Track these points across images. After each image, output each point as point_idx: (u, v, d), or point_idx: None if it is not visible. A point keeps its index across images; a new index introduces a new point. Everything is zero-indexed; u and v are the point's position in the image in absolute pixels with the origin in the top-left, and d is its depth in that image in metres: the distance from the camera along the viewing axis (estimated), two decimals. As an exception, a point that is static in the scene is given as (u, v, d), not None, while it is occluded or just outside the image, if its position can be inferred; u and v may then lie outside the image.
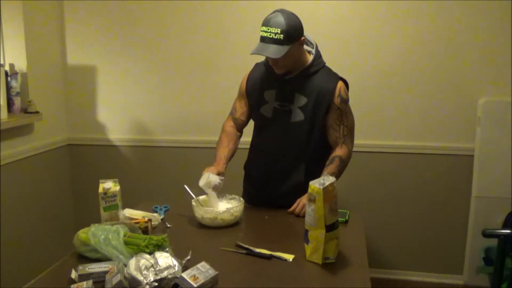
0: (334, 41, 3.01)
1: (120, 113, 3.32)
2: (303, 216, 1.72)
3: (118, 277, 1.31)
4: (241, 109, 2.19)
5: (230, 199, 2.03)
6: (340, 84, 2.03)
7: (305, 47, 2.03)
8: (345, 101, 2.04)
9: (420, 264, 3.18)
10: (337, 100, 2.00)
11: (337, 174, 2.04)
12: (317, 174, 1.99)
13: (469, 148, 2.98)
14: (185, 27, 3.14)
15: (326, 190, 1.52)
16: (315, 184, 1.53)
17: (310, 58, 2.02)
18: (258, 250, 1.63)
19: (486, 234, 2.05)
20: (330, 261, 1.56)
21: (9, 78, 2.73)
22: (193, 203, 1.92)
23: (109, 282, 1.32)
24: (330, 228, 1.54)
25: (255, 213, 2.02)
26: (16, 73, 2.77)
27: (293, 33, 1.86)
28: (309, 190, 1.55)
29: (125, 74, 3.27)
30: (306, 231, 1.59)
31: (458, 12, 2.86)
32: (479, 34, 2.86)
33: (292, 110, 2.02)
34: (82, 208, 3.41)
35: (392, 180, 3.12)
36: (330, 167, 2.03)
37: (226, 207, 1.93)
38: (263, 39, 1.86)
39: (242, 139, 2.24)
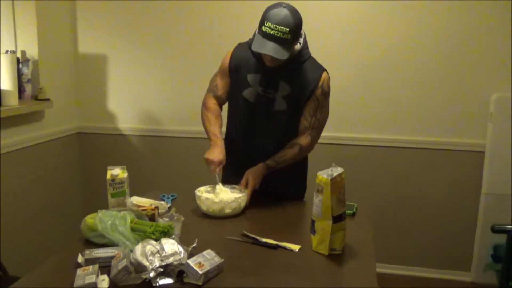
0: (342, 36, 2.99)
1: (130, 102, 3.33)
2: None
3: (124, 262, 1.31)
4: (224, 87, 2.12)
5: (232, 188, 2.02)
6: (324, 75, 2.00)
7: None
8: (325, 93, 2.01)
9: (428, 260, 3.16)
10: (318, 91, 1.98)
11: (290, 161, 2.06)
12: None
13: (480, 144, 2.95)
14: (196, 18, 3.13)
15: (334, 181, 1.51)
16: (323, 175, 1.52)
17: (297, 48, 1.95)
18: (264, 239, 1.63)
19: (495, 230, 2.04)
20: (336, 252, 1.56)
21: (20, 65, 2.74)
22: (197, 193, 1.92)
23: (115, 267, 1.32)
24: (337, 219, 1.53)
25: (261, 203, 2.01)
26: (28, 60, 2.78)
27: (298, 32, 1.83)
28: (317, 181, 1.54)
29: (136, 64, 3.27)
30: (313, 222, 1.58)
31: (471, 7, 2.83)
32: (492, 29, 2.83)
33: (276, 98, 2.00)
34: (90, 195, 3.43)
35: (401, 175, 3.10)
36: (288, 151, 2.04)
37: (233, 196, 1.92)
38: (267, 36, 1.77)
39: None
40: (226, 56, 2.11)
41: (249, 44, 2.03)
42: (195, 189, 1.97)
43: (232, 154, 2.12)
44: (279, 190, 2.10)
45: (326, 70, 2.02)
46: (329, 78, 2.03)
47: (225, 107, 2.21)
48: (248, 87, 2.03)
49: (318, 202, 1.54)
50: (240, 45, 2.10)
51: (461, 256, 3.10)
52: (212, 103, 2.14)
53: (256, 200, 1.99)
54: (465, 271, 3.10)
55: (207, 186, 2.03)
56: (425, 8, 2.88)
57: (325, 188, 1.51)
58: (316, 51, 2.09)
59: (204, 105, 2.15)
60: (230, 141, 2.19)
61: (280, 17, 1.75)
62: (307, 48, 2.01)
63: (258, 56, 1.98)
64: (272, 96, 2.01)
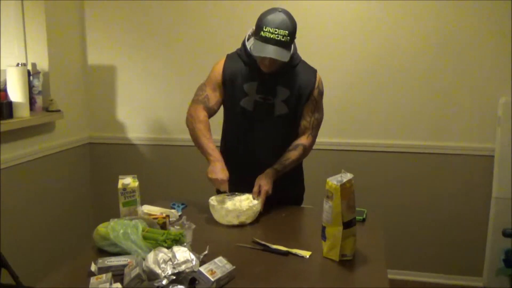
0: (346, 40, 3.01)
1: (139, 112, 3.36)
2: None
3: (137, 270, 1.32)
4: (216, 98, 2.11)
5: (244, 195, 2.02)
6: (319, 76, 2.08)
7: None
8: (321, 93, 2.09)
9: (439, 266, 3.14)
10: (315, 92, 2.05)
11: (296, 162, 2.09)
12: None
13: (490, 148, 2.94)
14: (205, 27, 3.16)
15: (344, 187, 1.51)
16: (333, 181, 1.53)
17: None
18: (274, 246, 1.63)
19: (506, 234, 2.03)
20: (347, 258, 1.56)
21: (31, 77, 2.78)
22: (211, 202, 1.92)
23: (128, 275, 1.34)
24: (348, 225, 1.54)
25: (272, 210, 2.02)
26: (38, 72, 2.82)
27: (295, 34, 1.88)
28: (327, 187, 1.54)
29: (145, 74, 3.31)
30: (323, 228, 1.59)
31: (477, 9, 2.83)
32: (501, 31, 2.83)
33: (275, 103, 2.03)
34: (102, 204, 3.45)
35: (410, 181, 3.09)
36: (293, 153, 2.07)
37: (248, 204, 1.93)
38: (267, 40, 1.80)
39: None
40: (217, 68, 2.11)
41: (238, 54, 2.08)
42: (205, 197, 1.98)
43: (231, 162, 2.12)
44: (279, 195, 2.08)
45: (317, 71, 2.09)
46: (321, 78, 2.10)
47: (220, 115, 2.21)
48: (245, 96, 2.05)
49: (328, 208, 1.55)
50: (229, 56, 2.12)
51: (472, 261, 3.08)
52: (203, 115, 2.09)
53: (265, 207, 1.99)
54: (477, 276, 3.07)
55: (218, 195, 2.03)
56: (430, 10, 2.89)
57: (335, 194, 1.51)
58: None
59: (194, 117, 2.09)
60: (227, 150, 2.20)
61: (278, 21, 1.81)
62: (297, 51, 2.06)
63: (253, 64, 2.00)
64: (271, 102, 2.03)
